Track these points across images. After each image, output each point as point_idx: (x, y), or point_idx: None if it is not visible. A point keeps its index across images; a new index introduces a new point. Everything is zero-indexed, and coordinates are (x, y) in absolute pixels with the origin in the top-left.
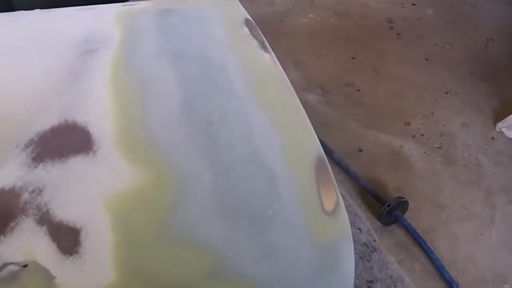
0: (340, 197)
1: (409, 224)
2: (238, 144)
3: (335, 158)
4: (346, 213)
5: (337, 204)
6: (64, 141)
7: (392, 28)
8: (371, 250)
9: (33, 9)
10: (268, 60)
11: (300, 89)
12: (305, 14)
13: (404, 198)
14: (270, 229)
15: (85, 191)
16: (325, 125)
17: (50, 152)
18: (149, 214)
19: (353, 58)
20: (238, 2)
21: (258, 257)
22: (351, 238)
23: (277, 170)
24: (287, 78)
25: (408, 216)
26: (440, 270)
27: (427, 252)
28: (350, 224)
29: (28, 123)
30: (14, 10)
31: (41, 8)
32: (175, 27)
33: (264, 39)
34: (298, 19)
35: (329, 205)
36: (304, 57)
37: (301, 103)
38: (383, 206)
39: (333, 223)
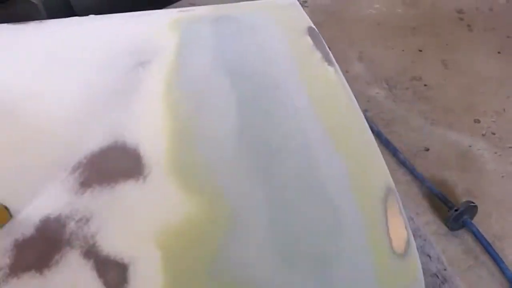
0: (411, 235)
1: (477, 230)
2: (300, 174)
3: (400, 158)
4: (417, 254)
5: (407, 244)
6: (113, 165)
7: (462, 19)
8: (442, 282)
9: (93, 13)
10: (333, 76)
11: (365, 83)
12: (371, 3)
13: (473, 203)
14: (333, 271)
15: (135, 222)
16: (390, 122)
17: (98, 176)
18: (202, 251)
19: (420, 50)
20: (301, 8)
21: None
22: (423, 283)
23: (342, 203)
24: (353, 95)
25: (477, 221)
26: (509, 280)
27: (496, 260)
28: (419, 251)
29: (77, 143)
30: (75, 15)
31: (100, 11)
32: (232, 37)
33: (328, 50)
34: (363, 9)
35: (399, 245)
36: (369, 49)
37: (366, 98)
38: (451, 211)
39: (403, 266)
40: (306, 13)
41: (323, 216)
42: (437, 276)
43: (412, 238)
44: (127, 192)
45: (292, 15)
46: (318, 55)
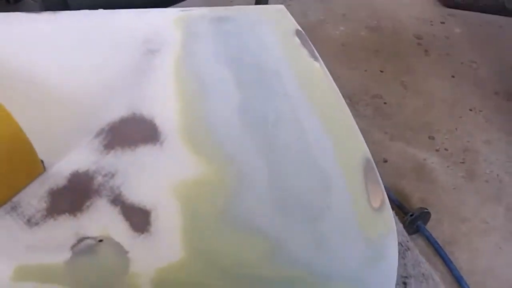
0: (386, 195)
1: (430, 234)
2: (292, 143)
3: None
4: (391, 209)
5: (383, 202)
6: (133, 132)
7: (420, 44)
8: (405, 249)
9: (84, 9)
10: (318, 68)
11: None
12: (336, 26)
13: (426, 209)
14: (323, 222)
15: (154, 177)
16: None
17: (120, 140)
18: (213, 202)
19: (381, 71)
20: (289, 14)
21: (311, 247)
22: (396, 233)
23: (329, 168)
24: (334, 84)
25: (430, 227)
26: (458, 281)
27: (447, 262)
28: None
29: (99, 113)
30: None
31: (92, 8)
32: (231, 33)
33: (314, 48)
34: (329, 31)
35: (376, 202)
36: (334, 68)
37: None
38: (406, 216)
39: (380, 218)
40: None
41: (313, 178)
42: (401, 245)
43: (386, 197)
44: (146, 153)
45: (282, 19)
46: (305, 52)
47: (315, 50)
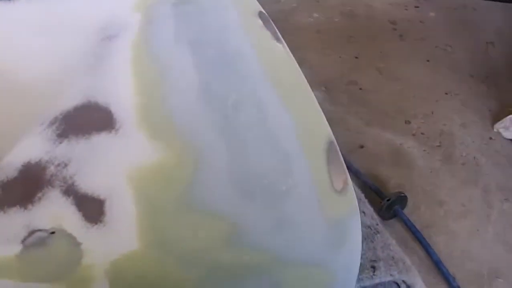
0: (349, 178)
1: (408, 219)
2: (253, 124)
3: None
4: (354, 192)
5: (345, 184)
6: (87, 120)
7: (395, 29)
8: (374, 232)
9: None
10: (281, 49)
11: None
12: (310, 13)
13: (403, 194)
14: (284, 204)
15: (109, 165)
16: (329, 122)
17: (74, 129)
18: (170, 187)
19: (356, 57)
20: None
21: (273, 229)
22: (359, 215)
23: (291, 149)
24: (298, 67)
25: (407, 211)
26: (437, 265)
27: (425, 246)
28: None
29: (52, 102)
30: None
31: None
32: (191, 15)
33: (277, 30)
34: (303, 18)
35: (338, 184)
36: (309, 55)
37: None
38: (383, 201)
39: (342, 201)
40: None
41: (274, 160)
42: (371, 228)
43: (349, 179)
44: (101, 141)
45: (245, 1)
46: (267, 33)
47: (277, 32)
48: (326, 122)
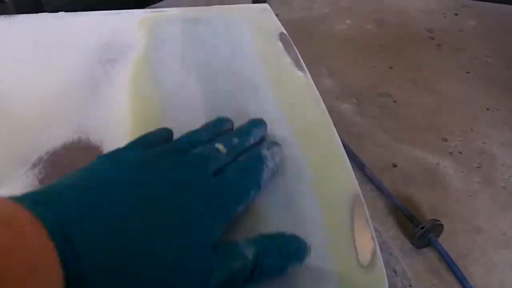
0: (377, 246)
1: (443, 248)
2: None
3: (367, 173)
4: (383, 267)
5: (374, 256)
6: (75, 161)
7: (432, 38)
8: None
9: (61, 10)
10: (302, 80)
11: (334, 97)
12: (342, 20)
13: (439, 221)
14: (296, 282)
15: None
16: (358, 137)
17: (59, 173)
18: None
19: (390, 67)
20: (273, 14)
21: None
22: None
23: (307, 209)
24: (322, 102)
25: (442, 238)
26: None
27: (461, 279)
28: (384, 265)
29: (40, 140)
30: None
31: (69, 9)
32: (203, 37)
33: (299, 56)
34: (334, 25)
35: (365, 257)
36: (340, 64)
37: (334, 112)
38: (417, 228)
39: (369, 278)
40: None
41: (288, 226)
42: None
43: (378, 249)
44: None
45: (264, 20)
46: (288, 60)
47: (300, 58)
48: (352, 171)
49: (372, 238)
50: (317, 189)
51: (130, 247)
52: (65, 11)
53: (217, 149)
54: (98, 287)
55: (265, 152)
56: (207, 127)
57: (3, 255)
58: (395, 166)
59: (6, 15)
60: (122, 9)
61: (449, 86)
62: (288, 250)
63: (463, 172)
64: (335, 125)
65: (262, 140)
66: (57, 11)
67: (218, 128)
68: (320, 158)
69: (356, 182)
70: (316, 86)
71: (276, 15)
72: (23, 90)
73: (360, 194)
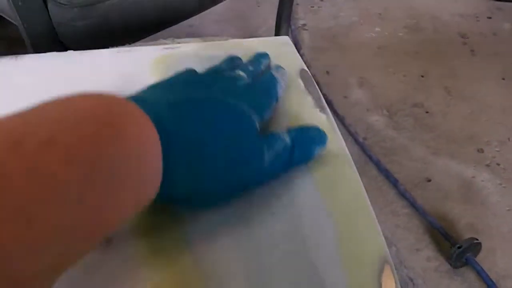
0: None
1: (481, 269)
2: (282, 235)
3: (400, 190)
4: None
5: None
6: None
7: (465, 43)
8: None
9: (79, 43)
10: (325, 123)
11: (364, 109)
12: (371, 27)
13: (477, 240)
14: None
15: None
16: (390, 151)
17: None
18: None
19: (422, 76)
20: (294, 48)
21: None
22: None
23: (329, 274)
24: (345, 146)
25: (480, 256)
26: None
27: None
28: None
29: None
30: (60, 43)
31: (88, 42)
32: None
33: (320, 94)
34: (364, 33)
35: None
36: (370, 74)
37: (365, 125)
38: (453, 248)
39: None
40: (306, 37)
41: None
42: None
43: None
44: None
45: (284, 56)
46: (309, 100)
47: (321, 97)
48: (380, 231)
49: None
50: (342, 252)
51: (206, 134)
52: (83, 43)
53: (239, 75)
54: (181, 164)
55: (275, 73)
56: (225, 61)
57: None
58: (429, 181)
59: (12, 56)
60: (137, 38)
61: (484, 93)
62: (313, 136)
63: (501, 185)
64: (365, 139)
65: (268, 67)
66: (74, 42)
67: (233, 61)
68: (345, 215)
69: (384, 243)
70: (346, 97)
71: (304, 25)
72: None
73: (389, 257)
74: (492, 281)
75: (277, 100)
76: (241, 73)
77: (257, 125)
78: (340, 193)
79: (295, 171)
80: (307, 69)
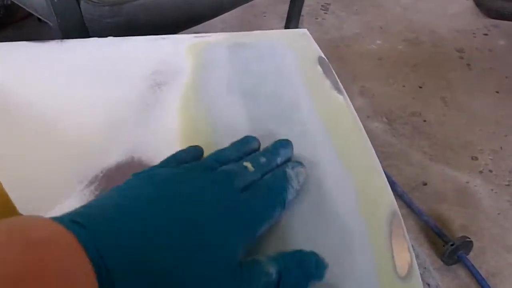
0: (414, 259)
1: (472, 266)
2: (311, 189)
3: (398, 191)
4: (420, 278)
5: (410, 267)
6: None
7: (462, 58)
8: None
9: (105, 35)
10: (342, 102)
11: (365, 116)
12: (373, 40)
13: (469, 238)
14: None
15: None
16: (389, 156)
17: None
18: None
19: (420, 87)
20: (312, 39)
21: None
22: None
23: (352, 222)
24: (359, 122)
25: (472, 256)
26: None
27: None
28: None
29: (96, 158)
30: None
31: (113, 34)
32: (248, 62)
33: (337, 79)
34: (365, 44)
35: (403, 268)
36: (370, 84)
37: (366, 131)
38: (447, 245)
39: None
40: None
41: (333, 237)
42: None
43: (415, 261)
44: None
45: (304, 45)
46: (327, 83)
47: (338, 81)
48: (389, 188)
49: (409, 251)
50: (359, 203)
51: (156, 261)
52: (109, 34)
53: (245, 167)
54: None
55: (290, 171)
56: (235, 145)
57: (47, 270)
58: (425, 184)
59: (58, 40)
60: (163, 32)
61: (478, 105)
62: (309, 267)
63: (493, 191)
64: None
65: (288, 160)
66: (101, 35)
67: (245, 147)
68: (360, 175)
69: (393, 198)
70: None
71: None
72: (78, 113)
73: (398, 210)
74: (483, 278)
75: (284, 207)
76: (249, 165)
77: (240, 251)
78: (357, 159)
79: (315, 142)
80: (324, 57)
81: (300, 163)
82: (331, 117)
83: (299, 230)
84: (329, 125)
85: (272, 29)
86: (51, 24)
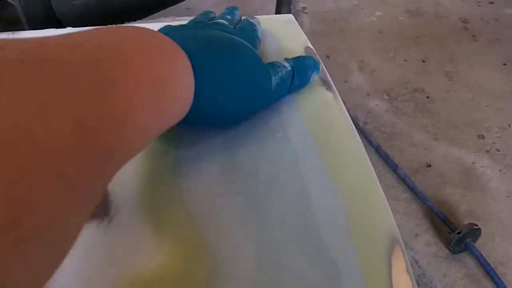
0: None
1: (480, 254)
2: (291, 213)
3: (400, 175)
4: None
5: None
6: None
7: (467, 28)
8: None
9: (77, 22)
10: (331, 101)
11: (365, 94)
12: (372, 11)
13: (476, 225)
14: None
15: (96, 267)
16: (391, 136)
17: None
18: None
19: (423, 61)
20: (298, 26)
21: None
22: None
23: (339, 253)
24: (352, 124)
25: (479, 242)
26: None
27: (499, 285)
28: None
29: None
30: (57, 21)
31: (85, 21)
32: None
33: (326, 72)
34: (364, 17)
35: None
36: (370, 59)
37: (365, 110)
38: (453, 233)
39: None
40: (306, 20)
41: (315, 268)
42: None
43: None
44: (89, 233)
45: (289, 32)
46: (315, 78)
47: (327, 74)
48: (389, 210)
49: (413, 285)
50: (352, 231)
51: (228, 60)
52: (80, 19)
53: (222, 23)
54: (209, 85)
55: (251, 20)
56: (204, 14)
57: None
58: (429, 166)
59: (9, 32)
60: (134, 18)
61: (485, 79)
62: (309, 64)
63: (501, 171)
64: (366, 124)
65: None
66: (71, 20)
67: (209, 14)
68: (354, 194)
69: (394, 221)
70: (346, 82)
71: (304, 8)
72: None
73: (399, 235)
74: (491, 267)
75: (260, 41)
76: (224, 21)
77: None
78: (350, 173)
79: (302, 149)
80: (311, 47)
81: (253, 17)
82: (318, 121)
83: (274, 262)
84: (316, 131)
85: (266, 2)
86: (15, 4)
